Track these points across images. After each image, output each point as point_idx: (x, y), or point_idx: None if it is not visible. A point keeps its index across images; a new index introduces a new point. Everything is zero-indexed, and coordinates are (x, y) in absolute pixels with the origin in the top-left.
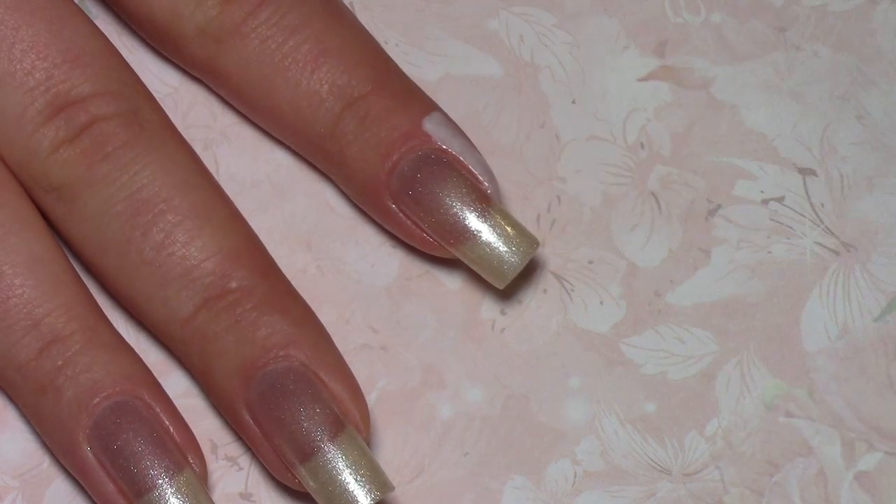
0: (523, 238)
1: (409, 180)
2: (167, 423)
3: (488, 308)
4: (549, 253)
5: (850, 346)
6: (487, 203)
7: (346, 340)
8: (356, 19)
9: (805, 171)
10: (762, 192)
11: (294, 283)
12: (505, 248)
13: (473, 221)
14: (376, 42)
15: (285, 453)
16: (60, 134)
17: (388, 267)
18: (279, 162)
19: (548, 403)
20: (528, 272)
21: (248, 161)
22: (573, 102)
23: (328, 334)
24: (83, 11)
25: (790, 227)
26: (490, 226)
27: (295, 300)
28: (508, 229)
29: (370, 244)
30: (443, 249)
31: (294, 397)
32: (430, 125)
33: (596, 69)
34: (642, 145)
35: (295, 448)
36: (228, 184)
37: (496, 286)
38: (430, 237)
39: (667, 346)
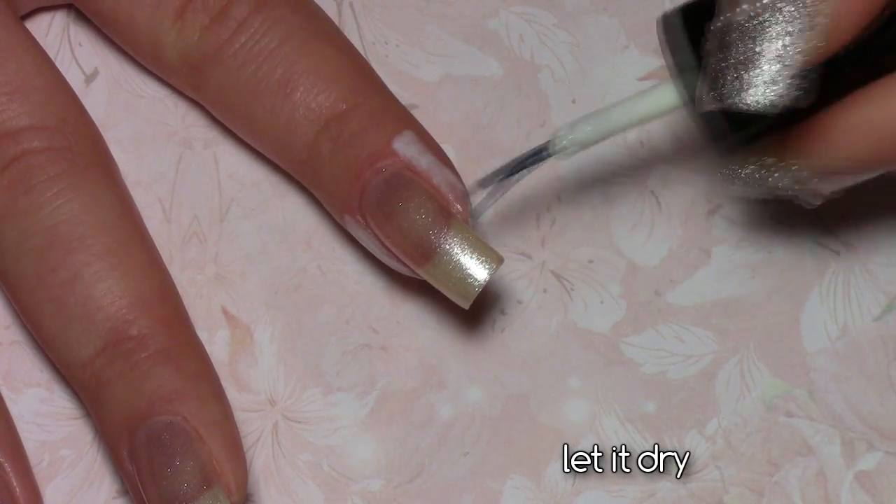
0: (483, 257)
1: (376, 201)
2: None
3: (488, 308)
4: (549, 253)
5: (850, 346)
6: (448, 222)
7: (346, 340)
8: (337, 32)
9: None
10: None
11: (294, 282)
12: (464, 269)
13: (433, 241)
14: (356, 55)
15: None
16: None
17: (388, 267)
18: None
19: (548, 403)
20: (529, 273)
21: (248, 161)
22: (573, 102)
23: (221, 391)
24: (35, 43)
25: (790, 227)
26: (449, 246)
27: (193, 353)
28: (468, 249)
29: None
30: (411, 270)
31: (168, 451)
32: (400, 144)
33: (596, 69)
34: (642, 144)
35: (165, 501)
36: (228, 184)
37: (461, 306)
38: (399, 258)
39: (667, 346)
